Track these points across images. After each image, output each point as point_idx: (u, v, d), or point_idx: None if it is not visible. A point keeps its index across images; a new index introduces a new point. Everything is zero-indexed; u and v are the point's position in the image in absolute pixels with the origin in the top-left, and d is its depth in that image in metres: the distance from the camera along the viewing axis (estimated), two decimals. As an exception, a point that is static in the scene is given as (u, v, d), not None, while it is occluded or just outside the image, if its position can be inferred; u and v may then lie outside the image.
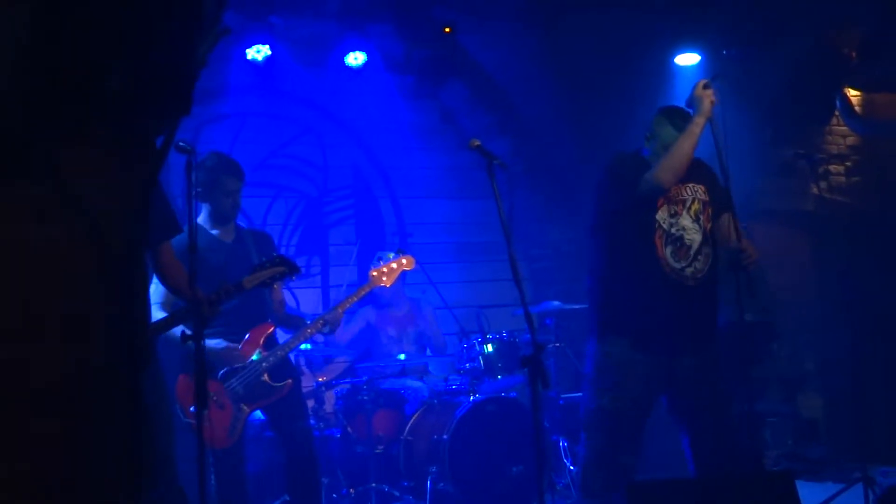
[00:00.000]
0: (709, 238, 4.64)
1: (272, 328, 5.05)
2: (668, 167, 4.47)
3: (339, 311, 5.28)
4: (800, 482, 4.29)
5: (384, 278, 5.69)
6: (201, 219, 5.02)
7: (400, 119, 7.89)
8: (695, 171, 4.74)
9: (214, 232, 5.01)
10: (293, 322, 5.37)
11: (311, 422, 5.45)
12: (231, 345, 4.83)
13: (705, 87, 4.48)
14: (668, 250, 4.55)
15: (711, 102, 4.47)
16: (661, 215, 4.58)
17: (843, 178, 8.39)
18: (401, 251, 5.97)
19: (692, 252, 4.59)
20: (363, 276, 7.69)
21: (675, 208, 4.61)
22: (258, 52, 6.46)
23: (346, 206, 7.91)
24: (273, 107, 7.58)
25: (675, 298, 4.55)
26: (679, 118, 4.58)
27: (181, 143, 3.63)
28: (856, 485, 5.75)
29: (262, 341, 4.94)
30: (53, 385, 1.19)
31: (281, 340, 5.14)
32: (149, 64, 1.32)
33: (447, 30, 6.74)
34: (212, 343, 4.65)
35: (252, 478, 5.27)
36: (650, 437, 6.03)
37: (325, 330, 5.24)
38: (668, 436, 5.11)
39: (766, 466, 5.89)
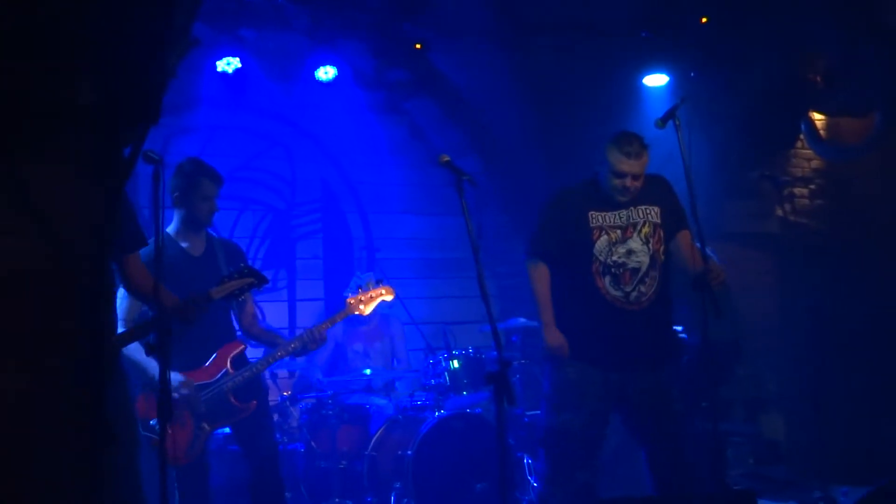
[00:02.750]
0: (657, 261, 4.72)
1: (241, 347, 4.96)
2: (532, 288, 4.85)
3: (314, 334, 5.07)
4: (762, 501, 4.33)
5: (362, 306, 5.53)
6: (171, 228, 4.90)
7: (369, 134, 7.88)
8: (652, 191, 4.81)
9: (184, 244, 4.89)
10: (268, 338, 5.21)
11: (276, 436, 5.39)
12: (187, 379, 4.71)
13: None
14: (607, 280, 4.68)
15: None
16: (599, 246, 4.72)
17: (806, 201, 8.47)
18: (380, 281, 5.83)
19: (639, 275, 4.67)
20: (330, 291, 7.68)
21: (616, 234, 4.70)
22: (228, 65, 6.44)
23: (313, 220, 7.89)
24: (242, 119, 7.56)
25: (618, 323, 4.66)
26: (626, 143, 4.67)
27: (149, 153, 3.59)
28: (817, 504, 5.81)
29: (229, 361, 4.86)
30: (16, 404, 1.17)
31: (251, 353, 5.10)
32: (118, 75, 1.32)
33: (418, 46, 6.76)
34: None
35: (216, 491, 5.21)
36: (619, 456, 6.07)
37: (297, 353, 5.15)
38: (636, 455, 5.14)
39: (728, 486, 5.92)
